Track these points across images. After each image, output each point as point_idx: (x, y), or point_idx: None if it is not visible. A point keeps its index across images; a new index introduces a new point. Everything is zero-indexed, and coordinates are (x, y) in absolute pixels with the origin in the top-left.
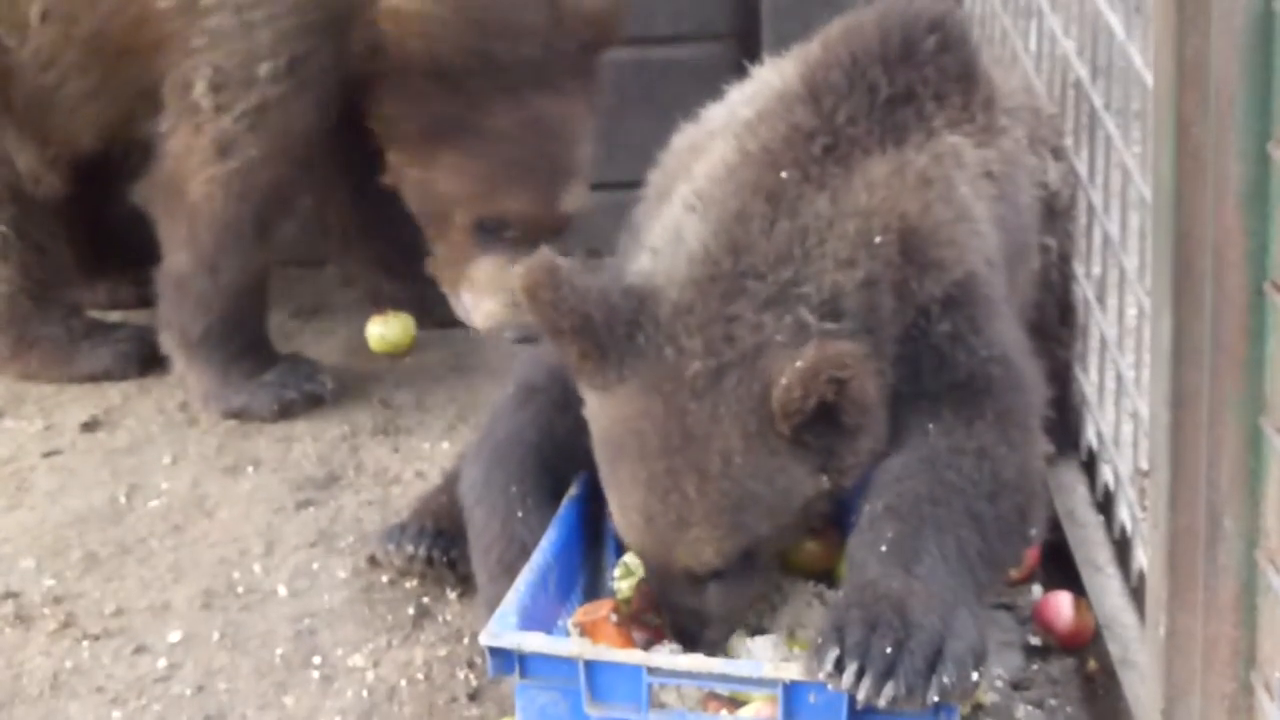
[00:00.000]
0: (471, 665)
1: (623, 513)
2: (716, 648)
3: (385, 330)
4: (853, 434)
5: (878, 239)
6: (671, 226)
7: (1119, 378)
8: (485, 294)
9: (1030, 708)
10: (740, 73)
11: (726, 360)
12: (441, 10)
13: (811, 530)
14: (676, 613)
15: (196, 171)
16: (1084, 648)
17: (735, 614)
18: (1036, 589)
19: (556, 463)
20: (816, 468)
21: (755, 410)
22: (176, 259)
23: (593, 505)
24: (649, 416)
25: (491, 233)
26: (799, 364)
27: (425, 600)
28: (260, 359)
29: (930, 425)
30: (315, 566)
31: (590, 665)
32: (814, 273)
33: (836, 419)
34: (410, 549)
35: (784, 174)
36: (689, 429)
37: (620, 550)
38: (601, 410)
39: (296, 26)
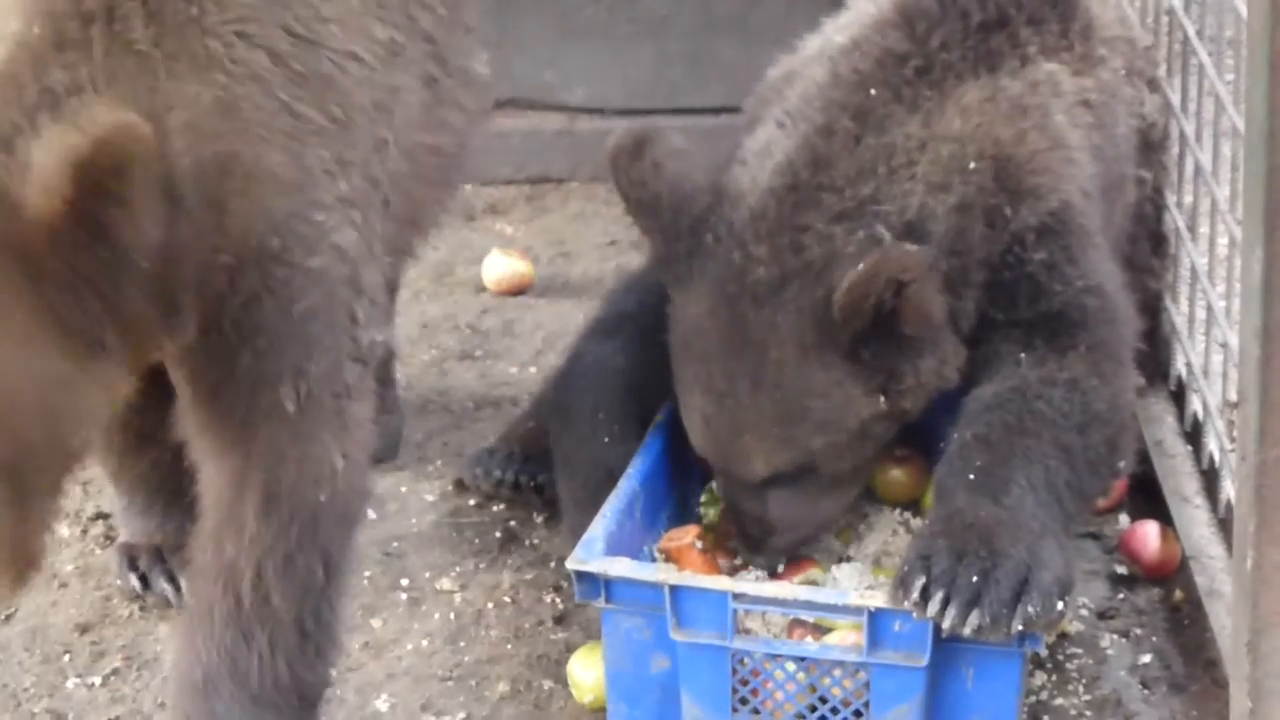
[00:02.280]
0: (558, 590)
1: (686, 412)
2: (779, 557)
3: (504, 270)
4: (912, 350)
5: (972, 165)
6: (762, 141)
7: (1209, 308)
8: None
9: (1115, 637)
10: None
11: (791, 269)
12: None
13: (898, 458)
14: (741, 517)
15: None
16: (1170, 578)
17: (801, 527)
18: (1123, 518)
19: (644, 390)
20: (874, 387)
21: (815, 322)
22: None
23: (679, 432)
24: (712, 318)
25: None
26: (861, 265)
27: (512, 524)
28: None
29: (1022, 355)
30: (403, 490)
31: (676, 591)
32: (899, 193)
33: (895, 332)
34: (497, 474)
35: (873, 92)
36: (747, 335)
37: (706, 477)
38: (676, 307)
39: None
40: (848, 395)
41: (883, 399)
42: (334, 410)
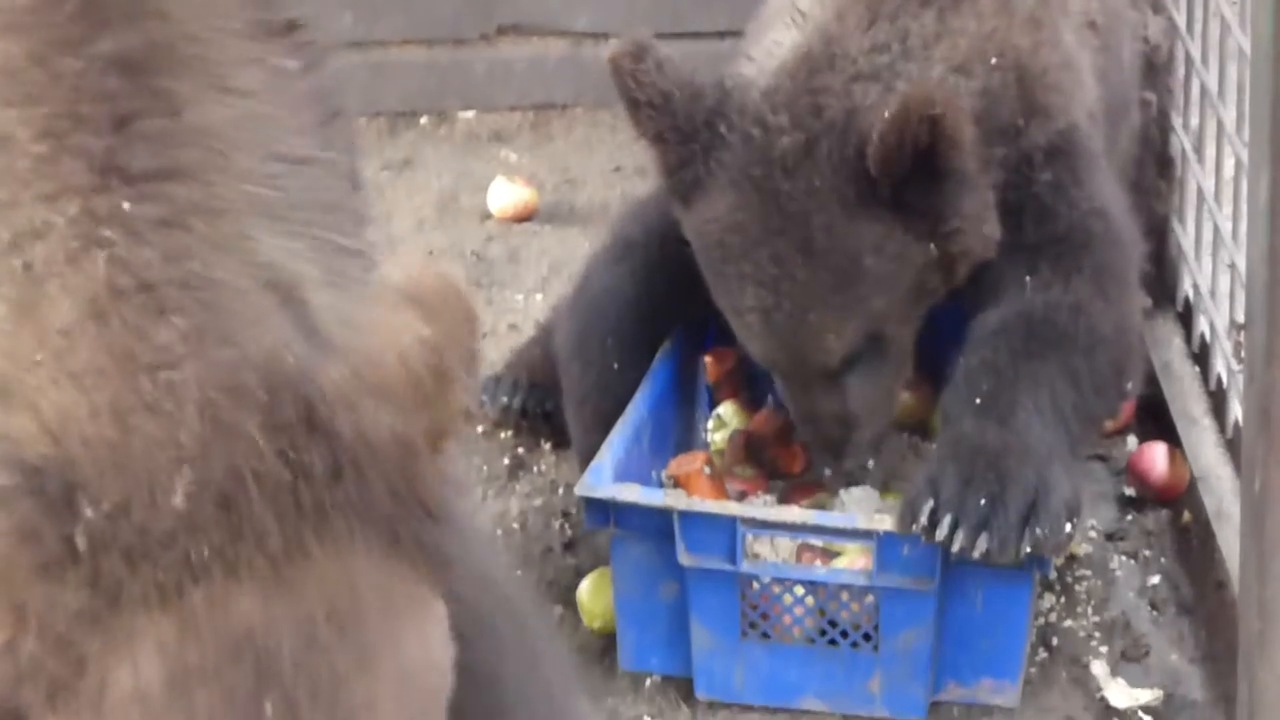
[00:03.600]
0: (566, 516)
1: (740, 319)
2: (867, 454)
3: (509, 198)
4: (954, 186)
5: (994, 60)
6: (771, 38)
7: (1216, 230)
8: None
9: (1124, 559)
10: None
11: (815, 131)
12: None
13: (906, 383)
14: (819, 422)
15: None
16: (1178, 499)
17: (880, 412)
18: (1131, 440)
19: (652, 317)
20: (923, 233)
21: (853, 177)
22: None
23: (687, 359)
24: (744, 206)
25: None
26: (888, 111)
27: (520, 452)
28: None
29: (1028, 279)
30: None
31: (684, 517)
32: (916, 68)
33: (934, 167)
34: (505, 401)
35: None
36: (786, 209)
37: (714, 403)
38: (697, 218)
39: None
40: (900, 245)
41: (933, 246)
42: None
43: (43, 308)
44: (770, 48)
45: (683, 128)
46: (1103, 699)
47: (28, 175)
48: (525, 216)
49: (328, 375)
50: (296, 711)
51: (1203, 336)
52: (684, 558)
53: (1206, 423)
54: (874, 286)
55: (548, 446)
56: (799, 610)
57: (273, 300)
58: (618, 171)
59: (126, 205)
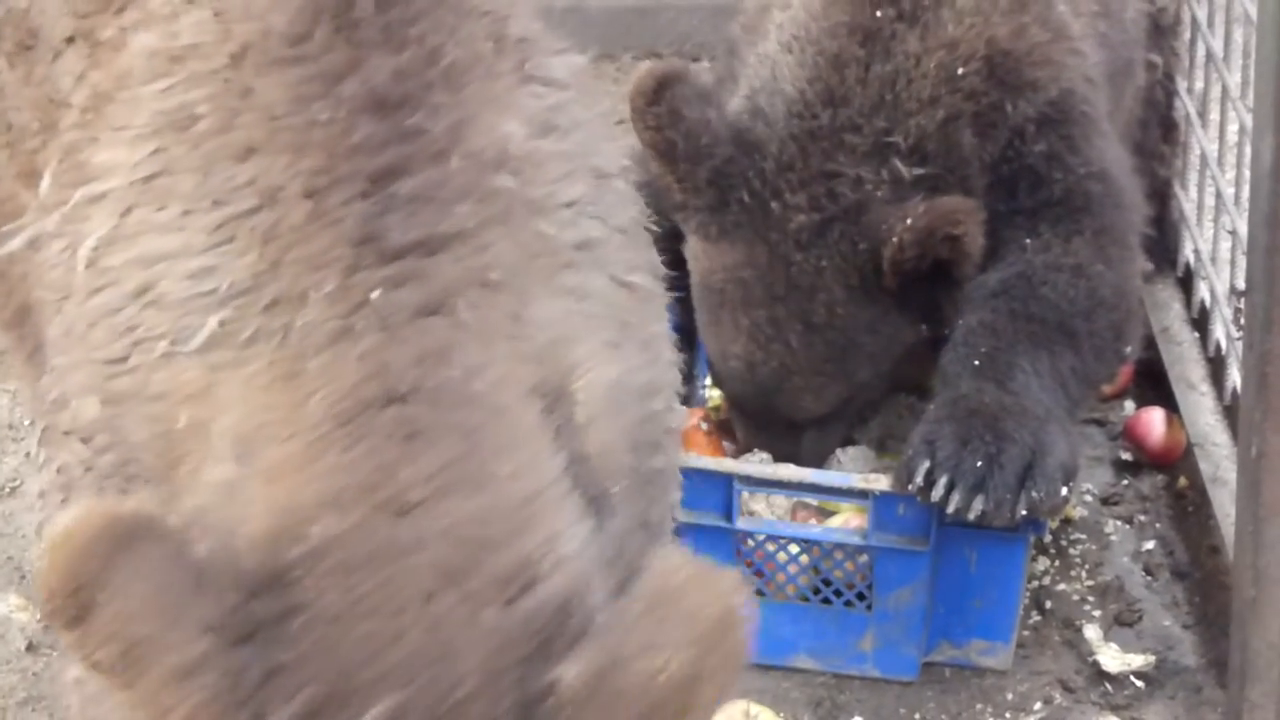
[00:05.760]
0: None
1: (723, 360)
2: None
3: None
4: (958, 288)
5: (960, 70)
6: (768, 66)
7: (1218, 195)
8: None
9: (1119, 523)
10: None
11: (830, 214)
12: None
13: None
14: (769, 443)
15: None
16: (1174, 465)
17: (822, 456)
18: (1129, 405)
19: None
20: (918, 318)
21: (860, 265)
22: None
23: (683, 315)
24: (752, 266)
25: None
26: (912, 221)
27: None
28: None
29: (1027, 241)
30: None
31: (680, 473)
32: (901, 117)
33: (946, 275)
34: None
35: (879, 13)
36: (793, 280)
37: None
38: (704, 255)
39: None
40: (895, 327)
41: (925, 327)
42: None
43: (299, 385)
44: (770, 84)
45: (686, 179)
46: (1095, 663)
47: (292, 236)
48: None
49: (569, 671)
50: None
51: (1203, 302)
52: (679, 513)
53: (1204, 388)
54: (863, 361)
55: None
56: (793, 568)
57: (534, 412)
58: (621, 124)
59: (376, 294)
